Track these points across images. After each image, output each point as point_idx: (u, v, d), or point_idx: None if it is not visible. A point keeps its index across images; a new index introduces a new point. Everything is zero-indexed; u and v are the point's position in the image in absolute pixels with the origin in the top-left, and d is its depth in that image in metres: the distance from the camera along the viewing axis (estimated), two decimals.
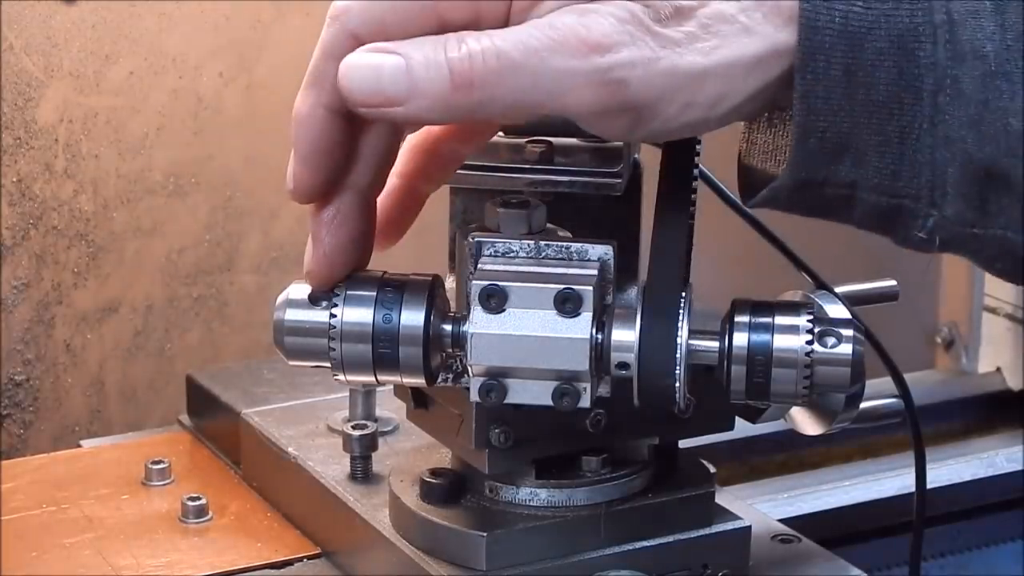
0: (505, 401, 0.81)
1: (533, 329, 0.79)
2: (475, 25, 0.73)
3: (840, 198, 0.74)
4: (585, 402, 0.81)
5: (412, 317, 0.81)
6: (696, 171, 0.84)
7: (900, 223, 0.74)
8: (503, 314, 0.80)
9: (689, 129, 0.74)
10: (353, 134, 0.79)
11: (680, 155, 0.83)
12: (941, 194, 0.72)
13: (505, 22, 0.73)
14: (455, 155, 0.86)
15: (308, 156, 0.78)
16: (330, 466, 1.04)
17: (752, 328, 0.79)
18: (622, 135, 0.75)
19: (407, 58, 0.71)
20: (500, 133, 0.94)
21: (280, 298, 0.83)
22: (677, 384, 0.79)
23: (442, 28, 0.73)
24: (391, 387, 1.01)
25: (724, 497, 0.99)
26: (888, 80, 0.71)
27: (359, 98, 0.72)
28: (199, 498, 1.08)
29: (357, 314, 0.81)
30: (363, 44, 0.73)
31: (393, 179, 0.84)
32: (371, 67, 0.72)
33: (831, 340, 0.79)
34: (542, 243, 0.82)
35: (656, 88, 0.71)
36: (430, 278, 0.83)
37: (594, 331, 0.79)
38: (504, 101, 0.71)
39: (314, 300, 0.82)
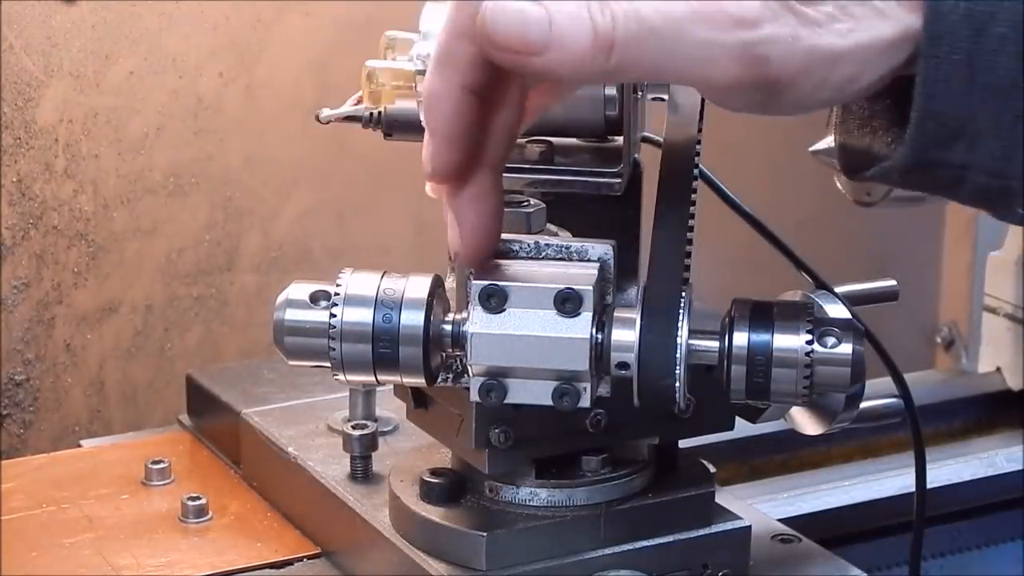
0: (505, 401, 0.81)
1: (533, 329, 0.79)
2: None
3: (950, 179, 0.74)
4: (585, 402, 0.80)
5: (412, 317, 0.81)
6: (696, 171, 0.84)
7: (1004, 202, 0.74)
8: (503, 314, 0.80)
9: (816, 107, 0.74)
10: (486, 111, 0.78)
11: (680, 155, 0.83)
12: None
13: None
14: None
15: (445, 136, 0.77)
16: (330, 466, 1.04)
17: (752, 328, 0.79)
18: (751, 109, 0.75)
19: (550, 11, 0.71)
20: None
21: (280, 298, 0.83)
22: (677, 384, 0.79)
23: None
24: (391, 387, 1.01)
25: (724, 497, 0.99)
26: (1008, 66, 0.71)
27: (502, 40, 0.71)
28: (199, 498, 1.08)
29: (357, 314, 0.81)
30: None
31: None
32: (517, 11, 0.71)
33: (831, 340, 0.79)
34: (542, 243, 0.82)
35: (794, 67, 0.71)
36: (430, 278, 0.83)
37: (594, 331, 0.79)
38: (641, 67, 0.71)
39: (314, 300, 0.82)
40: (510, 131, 0.80)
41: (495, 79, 0.77)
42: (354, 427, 1.04)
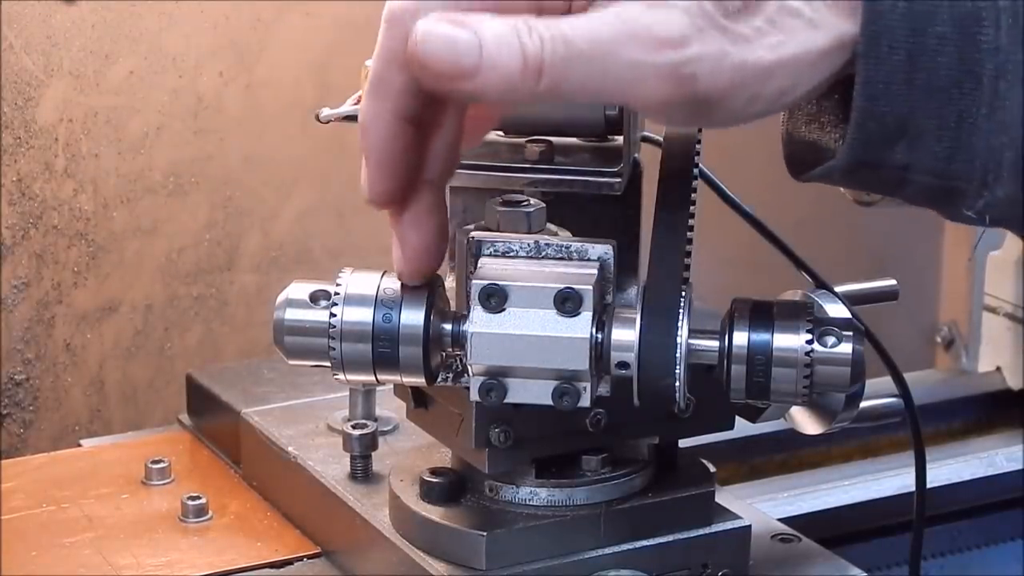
0: (505, 400, 0.81)
1: (533, 328, 0.79)
2: None
3: (893, 179, 0.74)
4: (585, 401, 0.81)
5: (412, 316, 0.81)
6: (696, 171, 0.84)
7: (949, 202, 0.74)
8: (503, 313, 0.80)
9: (753, 118, 0.74)
10: (423, 135, 0.78)
11: (680, 155, 0.83)
12: (995, 177, 0.72)
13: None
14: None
15: (381, 164, 0.78)
16: (330, 466, 1.04)
17: (752, 327, 0.79)
18: (686, 124, 0.75)
19: (480, 36, 0.71)
20: (500, 133, 0.94)
21: (280, 298, 0.83)
22: (677, 383, 0.79)
23: None
24: (391, 387, 1.01)
25: (724, 497, 0.99)
26: (949, 65, 0.70)
27: (434, 67, 0.72)
28: (199, 498, 1.08)
29: (357, 313, 0.82)
30: None
31: None
32: (447, 37, 0.71)
33: (831, 339, 0.79)
34: (542, 242, 0.82)
35: (723, 83, 0.71)
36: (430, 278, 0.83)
37: (594, 330, 0.79)
38: (571, 88, 0.71)
39: (314, 299, 0.82)
40: (449, 151, 0.80)
41: (430, 104, 0.77)
42: (354, 427, 1.04)
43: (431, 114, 0.78)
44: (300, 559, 1.03)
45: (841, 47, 0.71)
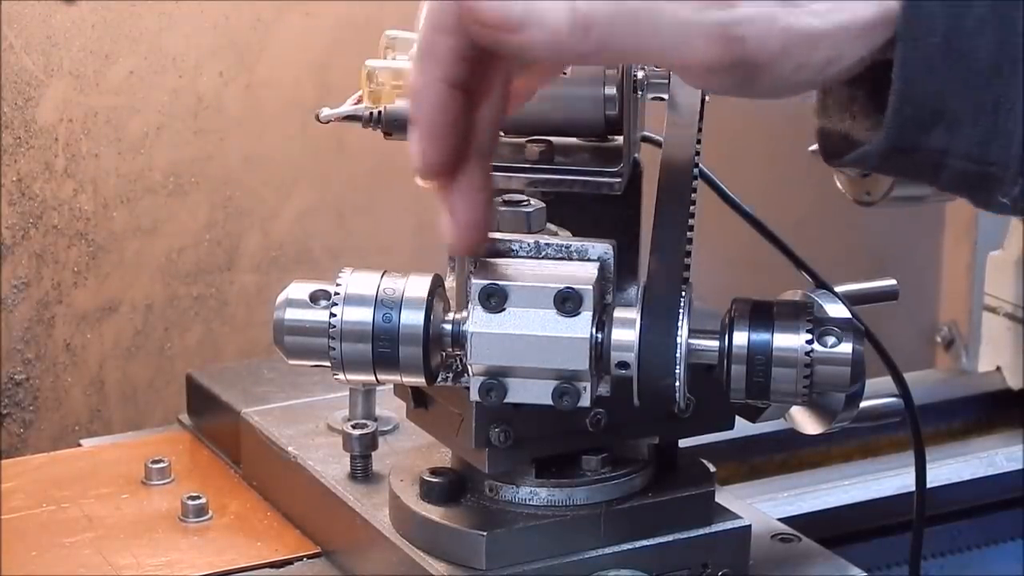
0: (505, 400, 0.81)
1: (533, 328, 0.79)
2: None
3: (929, 163, 0.73)
4: (585, 401, 0.81)
5: (412, 316, 0.81)
6: (696, 171, 0.84)
7: (984, 189, 0.73)
8: (503, 313, 0.80)
9: (796, 89, 0.73)
10: (471, 105, 0.78)
11: (680, 154, 0.83)
12: None
13: None
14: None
15: (433, 134, 0.77)
16: (330, 465, 1.04)
17: (752, 327, 0.79)
18: (730, 91, 0.74)
19: None
20: (500, 132, 0.94)
21: (280, 297, 0.83)
22: (677, 383, 0.79)
23: None
24: (391, 386, 1.01)
25: (724, 496, 0.99)
26: (987, 49, 0.70)
27: (484, 16, 0.71)
28: (199, 497, 1.08)
29: (357, 313, 0.82)
30: None
31: None
32: None
33: (831, 339, 0.79)
34: (542, 242, 0.82)
35: (772, 47, 0.70)
36: (430, 277, 0.83)
37: (594, 330, 0.79)
38: (619, 48, 0.71)
39: (314, 299, 0.83)
40: (495, 122, 0.79)
41: (478, 71, 0.76)
42: (354, 426, 1.04)
43: (478, 82, 0.77)
44: (300, 559, 1.03)
45: (886, 21, 0.71)
